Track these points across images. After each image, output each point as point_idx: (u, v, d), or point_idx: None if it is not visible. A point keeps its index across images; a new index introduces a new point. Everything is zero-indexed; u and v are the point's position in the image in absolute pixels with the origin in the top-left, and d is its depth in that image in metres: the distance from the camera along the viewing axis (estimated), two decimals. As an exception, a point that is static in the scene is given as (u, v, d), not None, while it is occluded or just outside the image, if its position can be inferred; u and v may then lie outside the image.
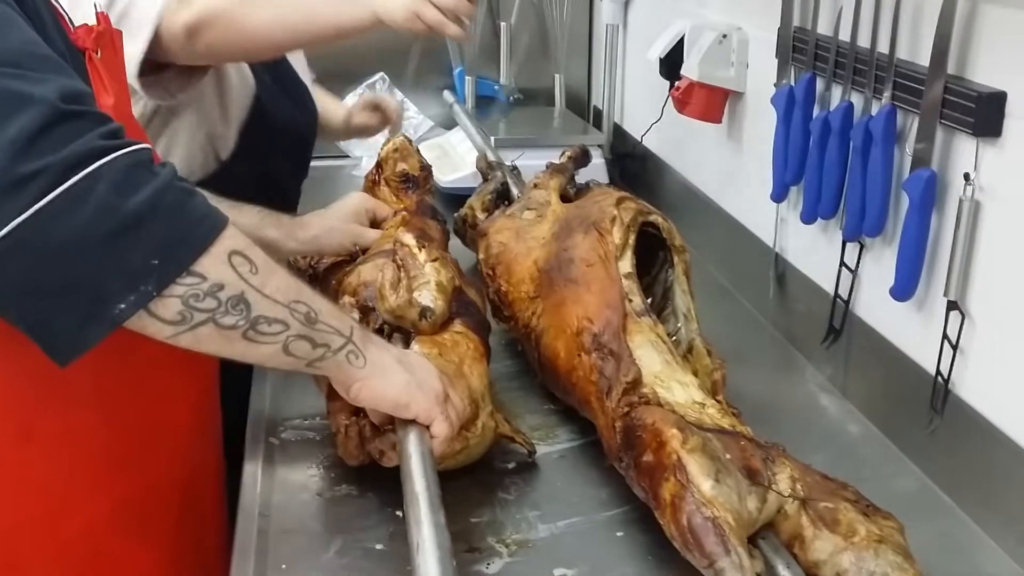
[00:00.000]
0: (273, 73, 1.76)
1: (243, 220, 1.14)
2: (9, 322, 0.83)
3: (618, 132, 2.44)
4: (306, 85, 1.88)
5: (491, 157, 1.95)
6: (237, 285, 0.87)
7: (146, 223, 0.81)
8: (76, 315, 0.82)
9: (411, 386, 1.04)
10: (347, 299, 1.28)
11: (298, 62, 1.95)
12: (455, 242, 1.73)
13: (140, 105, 1.51)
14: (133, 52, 1.36)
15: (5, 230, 0.77)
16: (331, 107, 1.98)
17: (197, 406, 1.18)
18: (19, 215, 0.77)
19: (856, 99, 1.32)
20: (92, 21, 1.05)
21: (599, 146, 2.27)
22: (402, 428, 1.05)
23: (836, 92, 1.38)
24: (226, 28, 1.42)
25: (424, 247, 1.28)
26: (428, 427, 1.05)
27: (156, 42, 1.40)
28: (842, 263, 1.39)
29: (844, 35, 1.34)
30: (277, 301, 0.91)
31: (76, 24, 1.03)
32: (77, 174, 0.78)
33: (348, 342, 0.99)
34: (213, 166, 1.66)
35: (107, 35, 1.06)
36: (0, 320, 0.86)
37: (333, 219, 1.52)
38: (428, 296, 1.21)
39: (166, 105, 1.56)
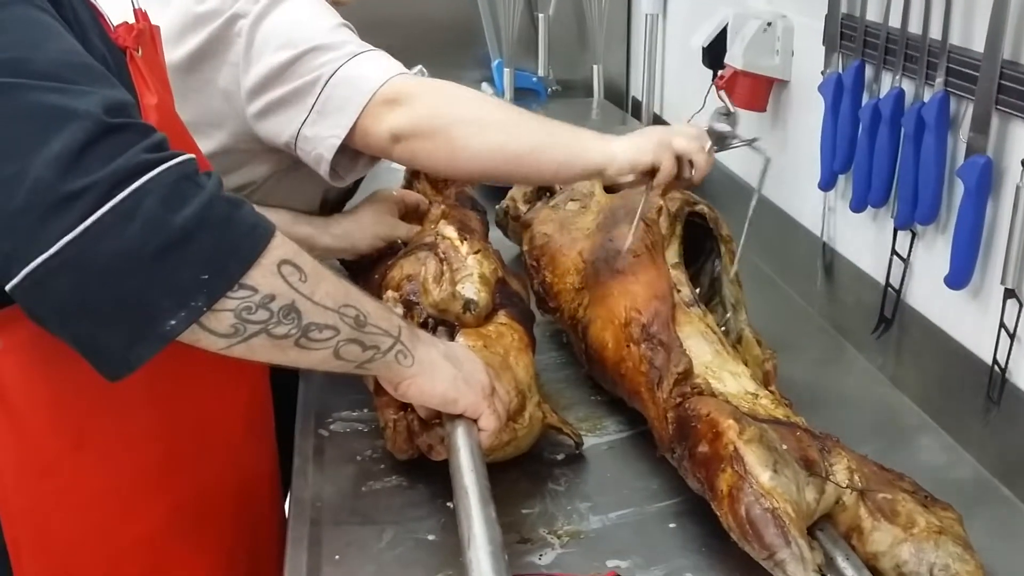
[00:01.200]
0: None
1: (275, 219, 1.13)
2: (58, 338, 0.82)
3: (658, 122, 2.43)
4: None
5: (532, 148, 1.94)
6: (288, 295, 0.86)
7: (195, 237, 0.79)
8: (126, 333, 0.80)
9: (458, 381, 1.03)
10: (391, 294, 1.28)
11: None
12: (495, 233, 1.73)
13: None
14: (330, 136, 1.24)
15: (53, 249, 0.75)
16: None
17: (249, 406, 1.19)
18: (67, 233, 0.75)
19: (907, 86, 1.30)
20: (131, 18, 1.04)
21: (639, 137, 2.25)
22: (450, 423, 1.05)
23: (886, 79, 1.36)
24: (438, 145, 1.25)
25: (466, 239, 1.27)
26: (476, 421, 1.05)
27: (351, 131, 1.24)
28: (893, 251, 1.37)
29: (894, 21, 1.32)
30: (327, 307, 0.90)
31: (115, 22, 1.02)
32: (124, 190, 0.77)
33: (396, 342, 0.98)
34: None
35: (147, 33, 1.04)
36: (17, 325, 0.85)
37: (364, 214, 1.51)
38: (472, 288, 1.21)
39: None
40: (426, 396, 1.03)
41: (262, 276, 0.84)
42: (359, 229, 1.49)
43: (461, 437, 1.02)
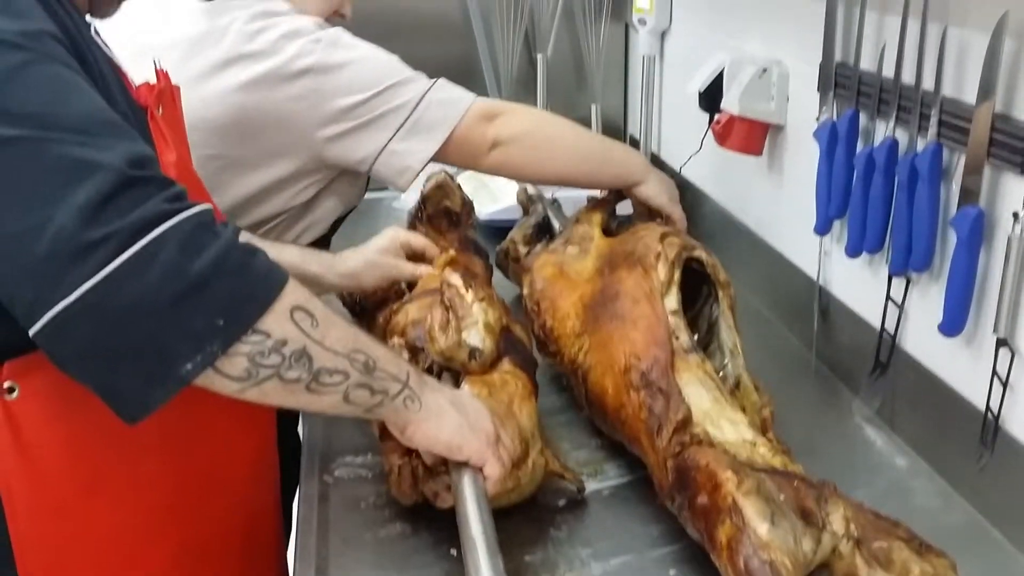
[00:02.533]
0: None
1: (284, 258, 1.16)
2: (78, 382, 0.84)
3: (656, 162, 2.45)
4: None
5: (531, 190, 1.97)
6: (300, 340, 0.89)
7: (211, 284, 0.82)
8: (143, 376, 0.83)
9: (464, 428, 1.05)
10: (396, 340, 1.30)
11: None
12: (496, 274, 1.75)
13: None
14: (423, 149, 1.51)
15: (74, 296, 0.79)
16: None
17: (256, 451, 1.21)
18: (87, 280, 0.79)
19: (900, 135, 1.33)
20: (152, 78, 1.08)
21: (637, 176, 2.27)
22: (455, 470, 1.06)
23: (880, 128, 1.38)
24: (531, 152, 1.59)
25: (471, 287, 1.29)
26: (481, 468, 1.07)
27: (444, 144, 1.53)
28: (888, 297, 1.39)
29: (888, 71, 1.34)
30: (337, 352, 0.93)
31: (137, 82, 1.06)
32: (144, 238, 0.80)
33: (405, 387, 1.01)
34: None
35: (168, 92, 1.08)
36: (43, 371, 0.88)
37: (370, 253, 1.55)
38: (477, 336, 1.23)
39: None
40: (432, 442, 1.06)
41: (275, 322, 0.87)
42: (365, 268, 1.53)
43: (467, 486, 1.04)
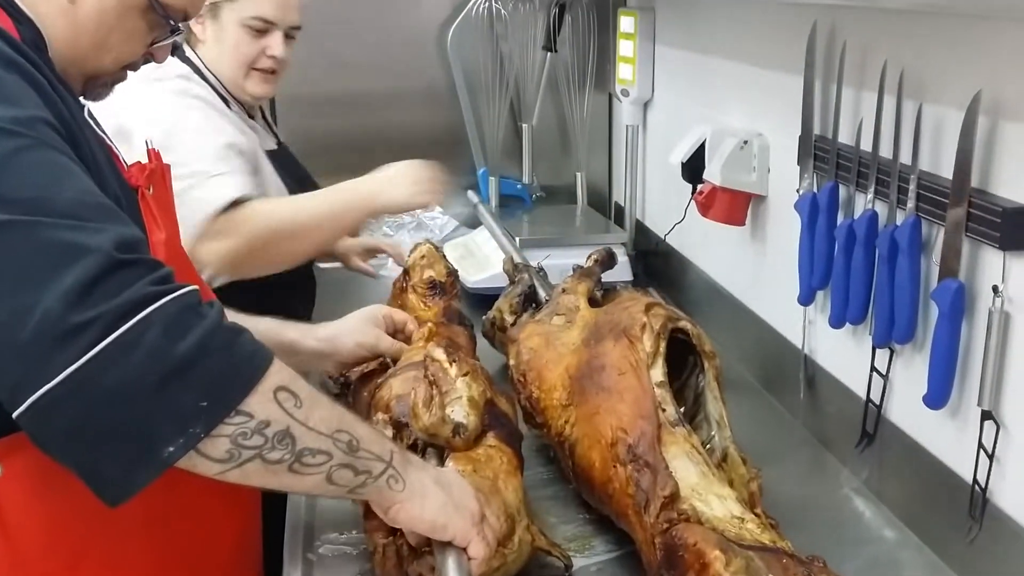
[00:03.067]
0: (292, 174, 1.94)
1: (261, 327, 1.16)
2: (60, 464, 0.84)
3: (640, 229, 2.48)
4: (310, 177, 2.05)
5: (517, 259, 1.98)
6: (283, 421, 0.88)
7: (196, 366, 0.83)
8: (126, 460, 0.83)
9: (448, 507, 1.04)
10: (380, 415, 1.30)
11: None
12: (482, 343, 1.75)
13: None
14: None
15: (57, 379, 0.79)
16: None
17: (240, 532, 1.20)
18: (72, 363, 0.79)
19: (880, 208, 1.34)
20: (143, 158, 1.10)
21: (622, 244, 2.30)
22: (440, 552, 1.05)
23: (859, 200, 1.40)
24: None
25: (455, 361, 1.29)
26: (466, 549, 1.05)
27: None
28: (873, 368, 1.39)
29: (866, 144, 1.36)
30: (321, 432, 0.92)
31: (129, 162, 1.08)
32: (128, 321, 0.80)
33: (388, 466, 1.00)
34: None
35: (158, 172, 1.10)
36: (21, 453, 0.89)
37: (349, 322, 1.55)
38: (461, 412, 1.22)
39: None
40: (415, 522, 1.04)
41: (258, 403, 0.87)
42: (343, 335, 1.53)
43: (452, 568, 1.03)
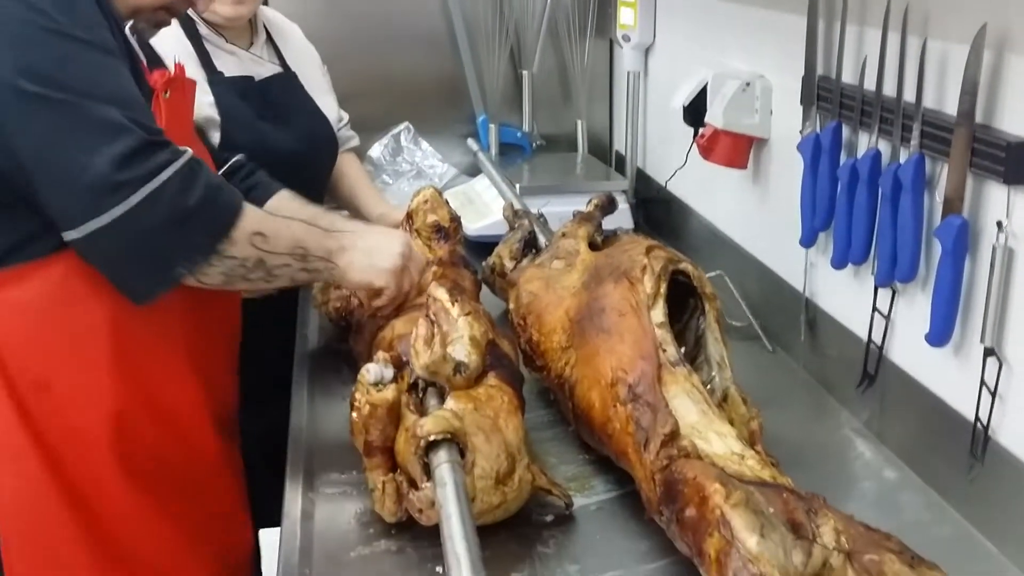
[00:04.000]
0: (275, 111, 1.94)
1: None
2: (102, 274, 1.18)
3: (641, 177, 2.46)
4: (325, 122, 2.04)
5: (517, 206, 1.97)
6: (257, 255, 1.24)
7: (198, 212, 1.16)
8: (151, 273, 1.18)
9: (372, 271, 1.41)
10: (381, 354, 1.29)
11: (329, 108, 2.05)
12: (484, 290, 1.74)
13: None
14: None
15: (107, 219, 1.11)
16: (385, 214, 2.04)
17: (209, 388, 1.39)
18: (116, 208, 1.10)
19: (883, 146, 1.33)
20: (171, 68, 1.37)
21: (623, 191, 2.28)
22: (440, 486, 1.05)
23: (863, 140, 1.38)
24: None
25: (457, 301, 1.29)
26: (462, 456, 1.10)
27: None
28: (875, 308, 1.39)
29: (869, 83, 1.35)
30: (283, 253, 1.28)
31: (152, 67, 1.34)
32: (155, 180, 1.12)
33: (329, 262, 1.36)
34: None
35: (179, 81, 1.36)
36: (25, 284, 1.21)
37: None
38: (462, 351, 1.22)
39: None
40: (353, 286, 1.46)
41: (239, 249, 1.22)
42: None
43: (452, 502, 1.02)
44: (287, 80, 2.01)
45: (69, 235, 1.13)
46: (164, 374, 1.32)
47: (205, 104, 1.84)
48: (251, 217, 1.24)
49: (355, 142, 2.22)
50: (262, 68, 1.98)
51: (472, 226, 2.15)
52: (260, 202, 1.55)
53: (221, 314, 1.44)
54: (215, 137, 1.84)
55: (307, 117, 2.02)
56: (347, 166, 2.15)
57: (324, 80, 2.13)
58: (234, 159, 1.67)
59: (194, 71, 1.81)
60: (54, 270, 1.21)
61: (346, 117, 2.19)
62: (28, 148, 1.12)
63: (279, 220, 1.31)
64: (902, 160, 1.27)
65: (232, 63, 1.92)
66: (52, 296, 1.22)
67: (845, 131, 1.43)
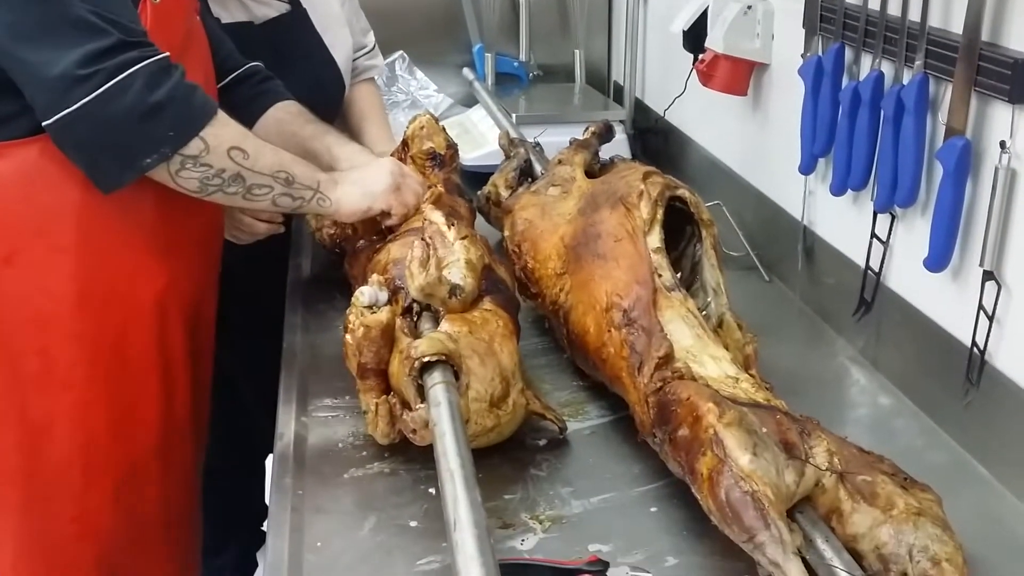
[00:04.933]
0: (277, 56, 1.79)
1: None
2: (73, 162, 1.23)
3: (639, 107, 2.42)
4: (332, 66, 1.90)
5: (513, 134, 1.94)
6: (234, 168, 1.29)
7: (165, 108, 1.21)
8: (117, 162, 1.24)
9: (366, 197, 1.45)
10: (376, 276, 1.28)
11: (342, 44, 1.94)
12: (479, 220, 1.72)
13: None
14: None
15: (74, 107, 1.16)
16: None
17: (176, 283, 1.41)
18: (84, 98, 1.16)
19: (887, 68, 1.30)
20: None
21: (621, 121, 2.25)
22: (435, 406, 1.04)
23: (866, 62, 1.36)
24: None
25: (453, 225, 1.27)
26: (456, 379, 1.10)
27: None
28: (873, 235, 1.37)
29: (873, 3, 1.32)
30: (264, 173, 1.32)
31: None
32: (121, 75, 1.17)
33: (316, 192, 1.39)
34: None
35: None
36: (1, 161, 1.24)
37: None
38: (458, 274, 1.21)
39: None
40: (348, 217, 1.48)
41: (215, 158, 1.27)
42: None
43: (446, 421, 1.01)
44: (294, 20, 1.86)
45: (45, 123, 1.19)
46: (129, 264, 1.35)
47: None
48: (230, 130, 1.29)
49: (375, 72, 2.08)
50: (267, 8, 1.84)
51: (468, 156, 2.12)
52: (264, 108, 1.63)
53: (196, 217, 1.43)
54: None
55: (312, 62, 1.89)
56: (359, 97, 2.02)
57: (342, 9, 1.97)
58: (248, 65, 1.66)
59: None
60: (30, 150, 1.24)
61: (370, 43, 2.05)
62: (4, 39, 1.18)
63: (265, 144, 1.35)
64: (905, 82, 1.25)
65: (233, 6, 1.79)
66: (25, 175, 1.26)
67: (848, 54, 1.40)
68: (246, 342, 1.76)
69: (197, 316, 1.49)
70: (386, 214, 1.48)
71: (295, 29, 1.86)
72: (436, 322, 1.20)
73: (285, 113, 1.63)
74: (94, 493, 1.37)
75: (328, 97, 1.93)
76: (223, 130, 1.27)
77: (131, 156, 1.23)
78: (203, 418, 1.56)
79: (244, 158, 1.29)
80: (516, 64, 2.59)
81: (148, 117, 1.20)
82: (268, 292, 1.71)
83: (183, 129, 1.23)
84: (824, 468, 0.97)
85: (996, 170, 1.10)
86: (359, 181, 1.45)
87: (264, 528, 2.33)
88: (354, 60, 1.99)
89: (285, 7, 1.85)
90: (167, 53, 1.24)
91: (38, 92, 1.19)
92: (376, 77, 2.10)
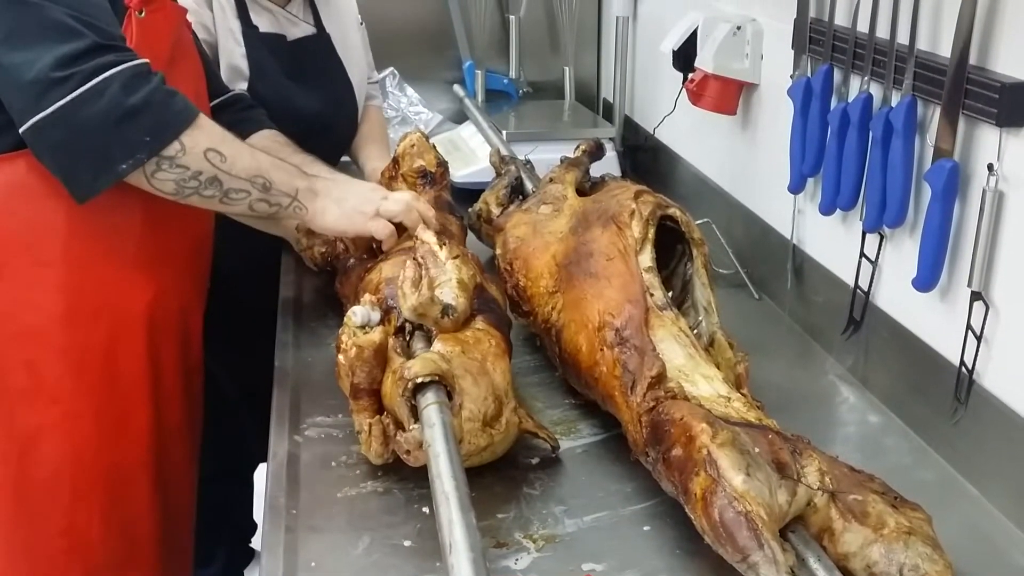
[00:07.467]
0: (304, 72, 1.91)
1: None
2: (47, 169, 1.22)
3: (629, 124, 2.44)
4: (351, 88, 2.00)
5: (504, 152, 1.95)
6: (211, 171, 1.28)
7: (141, 113, 1.20)
8: (92, 169, 1.22)
9: (343, 217, 1.43)
10: (368, 296, 1.28)
11: (359, 69, 2.03)
12: (470, 237, 1.73)
13: None
14: None
15: (48, 111, 1.16)
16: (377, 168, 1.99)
17: (162, 294, 1.42)
18: (58, 101, 1.16)
19: (875, 90, 1.32)
20: None
21: (610, 139, 2.26)
22: (428, 427, 1.05)
23: (854, 83, 1.37)
24: None
25: (445, 244, 1.28)
26: (449, 399, 1.09)
27: None
28: (862, 254, 1.38)
29: (862, 25, 1.33)
30: (241, 178, 1.31)
31: None
32: (96, 79, 1.17)
33: (294, 200, 1.38)
34: None
35: (158, 2, 1.37)
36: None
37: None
38: (450, 294, 1.21)
39: None
40: (325, 229, 1.46)
41: (192, 160, 1.26)
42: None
43: (440, 443, 1.02)
44: (319, 42, 1.97)
45: (22, 129, 1.18)
46: (116, 277, 1.35)
47: (236, 54, 1.83)
48: (208, 132, 1.28)
49: (376, 101, 2.18)
50: (296, 28, 1.94)
51: (458, 173, 2.13)
52: (246, 135, 1.58)
53: (183, 230, 1.45)
54: (240, 87, 1.81)
55: (335, 82, 1.98)
56: (366, 118, 2.10)
57: (359, 38, 2.08)
58: (233, 92, 1.69)
59: (230, 20, 1.81)
60: (17, 165, 1.25)
61: (376, 76, 2.18)
62: None
63: (243, 146, 1.34)
64: (893, 104, 1.26)
65: (267, 19, 1.89)
66: (12, 190, 1.26)
67: (836, 75, 1.42)
68: (237, 353, 1.77)
69: (186, 328, 1.49)
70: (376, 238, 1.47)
71: (320, 50, 1.97)
72: (428, 341, 1.21)
73: (272, 141, 1.64)
74: (83, 507, 1.36)
75: (346, 113, 2.02)
76: (201, 132, 1.26)
77: (106, 161, 1.21)
78: (195, 430, 1.55)
79: (221, 161, 1.28)
80: (506, 81, 2.60)
81: (124, 121, 1.18)
82: (263, 305, 1.72)
83: (159, 134, 1.22)
84: (816, 487, 0.98)
85: (984, 192, 1.11)
86: (340, 200, 1.44)
87: (252, 543, 2.34)
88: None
89: (312, 30, 1.96)
90: (146, 60, 1.22)
91: (15, 96, 1.18)
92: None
